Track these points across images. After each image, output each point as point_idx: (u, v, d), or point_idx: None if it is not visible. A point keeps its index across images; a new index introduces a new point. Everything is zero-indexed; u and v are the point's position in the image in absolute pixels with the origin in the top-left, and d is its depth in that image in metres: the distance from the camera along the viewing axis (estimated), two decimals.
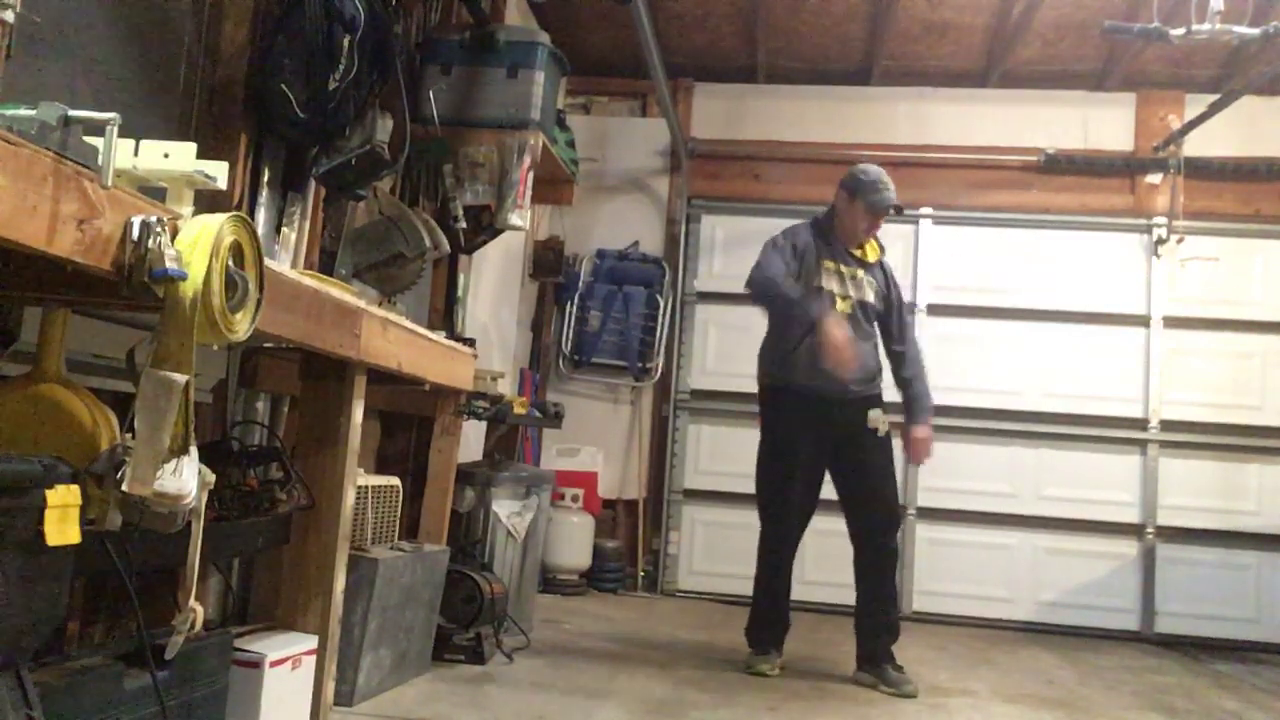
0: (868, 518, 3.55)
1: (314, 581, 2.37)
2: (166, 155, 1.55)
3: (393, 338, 2.42)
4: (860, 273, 3.61)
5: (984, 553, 5.26)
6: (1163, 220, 5.32)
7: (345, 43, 2.51)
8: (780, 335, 3.61)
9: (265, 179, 2.64)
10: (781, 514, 3.59)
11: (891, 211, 3.55)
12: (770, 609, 3.62)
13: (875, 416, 3.53)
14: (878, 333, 3.69)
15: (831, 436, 3.55)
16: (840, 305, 3.54)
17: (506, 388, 4.74)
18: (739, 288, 3.92)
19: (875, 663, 3.47)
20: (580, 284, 5.68)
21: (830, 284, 3.56)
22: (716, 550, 5.34)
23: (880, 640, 3.50)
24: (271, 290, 1.65)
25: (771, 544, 3.61)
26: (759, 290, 3.50)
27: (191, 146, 1.57)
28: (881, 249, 3.74)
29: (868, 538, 3.55)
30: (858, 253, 3.63)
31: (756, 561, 3.65)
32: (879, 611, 3.54)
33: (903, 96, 5.67)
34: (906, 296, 5.28)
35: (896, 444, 3.64)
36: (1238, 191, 5.33)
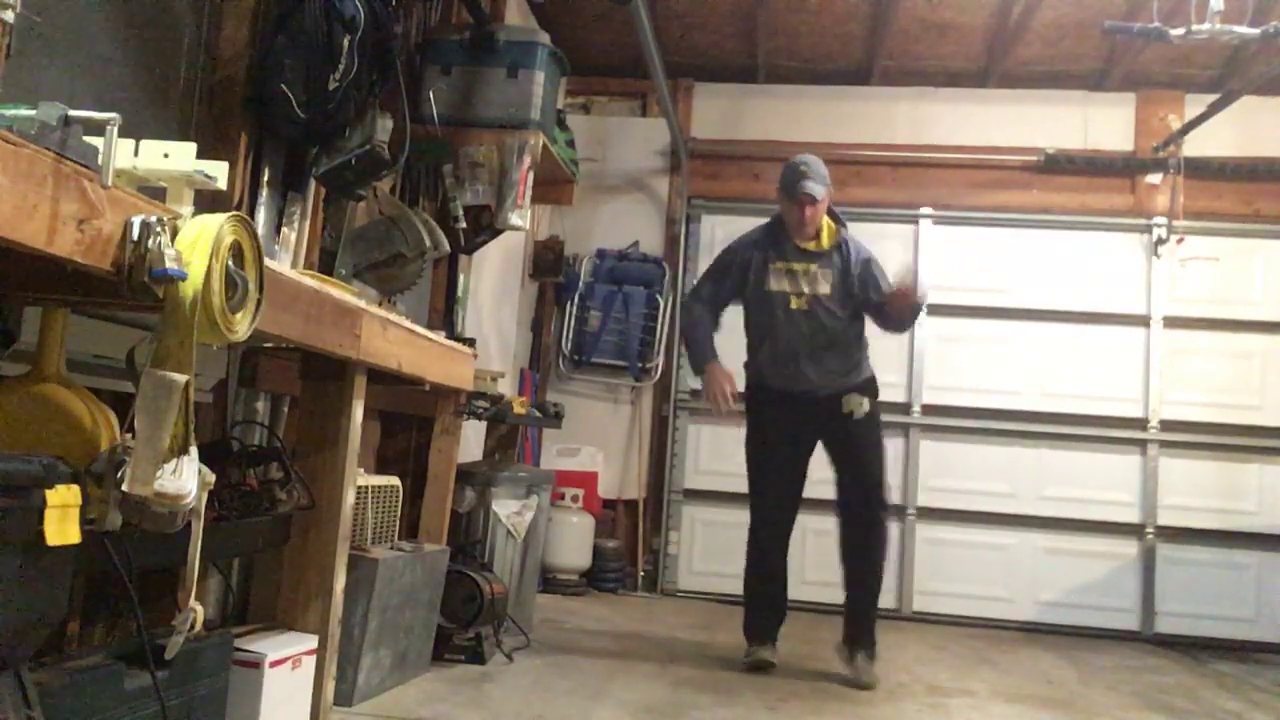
0: (850, 489, 3.58)
1: (314, 581, 2.37)
2: (166, 155, 1.55)
3: (393, 338, 2.42)
4: (813, 266, 3.57)
5: (984, 553, 5.26)
6: (1163, 220, 5.31)
7: (345, 43, 2.51)
8: (749, 341, 3.70)
9: (265, 179, 2.64)
10: (759, 502, 3.65)
11: (808, 201, 3.45)
12: (755, 596, 3.65)
13: (851, 400, 3.54)
14: (858, 318, 3.61)
15: (811, 428, 3.61)
16: (794, 304, 3.55)
17: (506, 388, 4.74)
18: None
19: (848, 645, 3.53)
20: (580, 284, 5.68)
21: (780, 284, 3.56)
22: (716, 550, 5.34)
23: (858, 625, 3.55)
24: (271, 290, 1.65)
25: (752, 530, 3.67)
26: (681, 326, 3.75)
27: (191, 146, 1.57)
28: (840, 225, 3.62)
29: (850, 508, 3.58)
30: (811, 245, 3.58)
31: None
32: (860, 592, 3.57)
33: (903, 96, 5.67)
34: None
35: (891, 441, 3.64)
36: (1238, 191, 5.33)
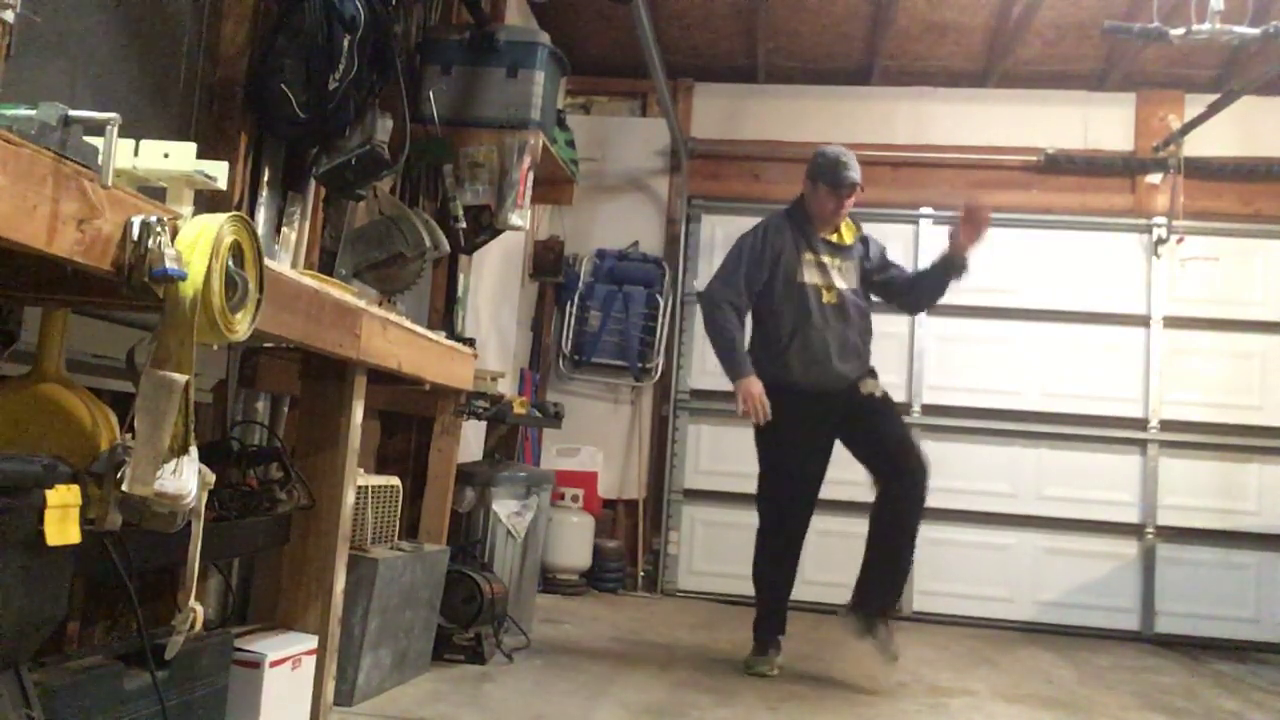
0: (892, 458, 3.50)
1: (314, 581, 2.37)
2: (166, 155, 1.55)
3: (393, 338, 2.42)
4: (838, 259, 3.61)
5: (984, 553, 5.26)
6: (1163, 220, 5.32)
7: (345, 43, 2.51)
8: (769, 335, 3.62)
9: (265, 179, 2.64)
10: (785, 507, 3.58)
11: (853, 190, 3.51)
12: (769, 601, 3.62)
13: (868, 383, 3.58)
14: (870, 311, 3.71)
15: (831, 426, 3.58)
16: (826, 298, 3.55)
17: (506, 388, 4.74)
18: None
19: (876, 615, 3.43)
20: (580, 284, 5.68)
21: (812, 277, 3.56)
22: (716, 550, 5.34)
23: (886, 594, 3.50)
24: (271, 290, 1.65)
25: (770, 534, 3.60)
26: (711, 327, 3.55)
27: (191, 146, 1.57)
28: (858, 227, 3.73)
29: (895, 477, 3.47)
30: (834, 238, 3.62)
31: (755, 553, 3.64)
32: (902, 560, 3.50)
33: (903, 96, 5.67)
34: None
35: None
36: (1238, 191, 5.33)
